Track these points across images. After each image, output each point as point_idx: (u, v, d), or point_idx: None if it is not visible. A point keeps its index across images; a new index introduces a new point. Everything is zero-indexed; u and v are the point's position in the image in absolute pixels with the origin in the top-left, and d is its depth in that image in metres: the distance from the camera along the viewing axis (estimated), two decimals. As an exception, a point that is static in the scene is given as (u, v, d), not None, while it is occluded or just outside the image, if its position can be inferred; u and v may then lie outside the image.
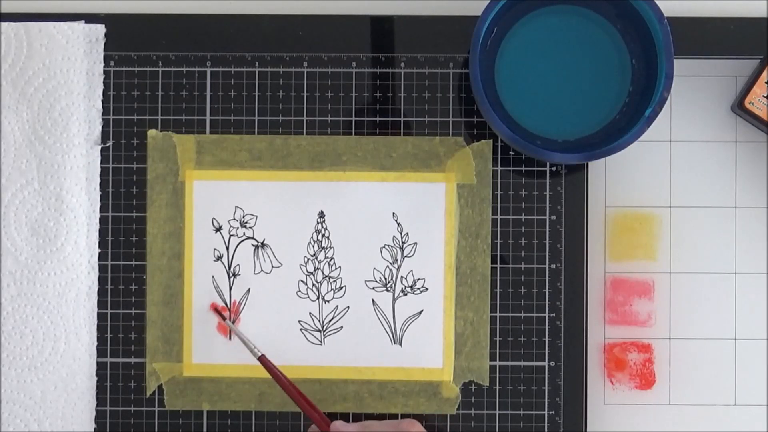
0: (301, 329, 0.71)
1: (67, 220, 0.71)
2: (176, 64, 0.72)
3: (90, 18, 0.72)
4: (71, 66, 0.71)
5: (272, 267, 0.71)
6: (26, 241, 0.71)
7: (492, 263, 0.71)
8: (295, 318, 0.71)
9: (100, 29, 0.72)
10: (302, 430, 0.71)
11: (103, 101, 0.72)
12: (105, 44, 0.72)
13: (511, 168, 0.71)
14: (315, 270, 0.71)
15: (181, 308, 0.71)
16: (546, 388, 0.71)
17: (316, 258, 0.71)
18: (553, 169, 0.71)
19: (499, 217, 0.71)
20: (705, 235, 0.71)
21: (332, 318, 0.71)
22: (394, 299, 0.71)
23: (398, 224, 0.71)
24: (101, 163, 0.72)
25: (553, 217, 0.71)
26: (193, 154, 0.72)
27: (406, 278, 0.71)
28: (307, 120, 0.72)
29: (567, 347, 0.71)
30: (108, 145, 0.72)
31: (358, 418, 0.71)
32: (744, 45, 0.71)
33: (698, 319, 0.71)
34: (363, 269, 0.71)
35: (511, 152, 0.71)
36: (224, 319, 0.70)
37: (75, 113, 0.71)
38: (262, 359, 0.68)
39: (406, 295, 0.71)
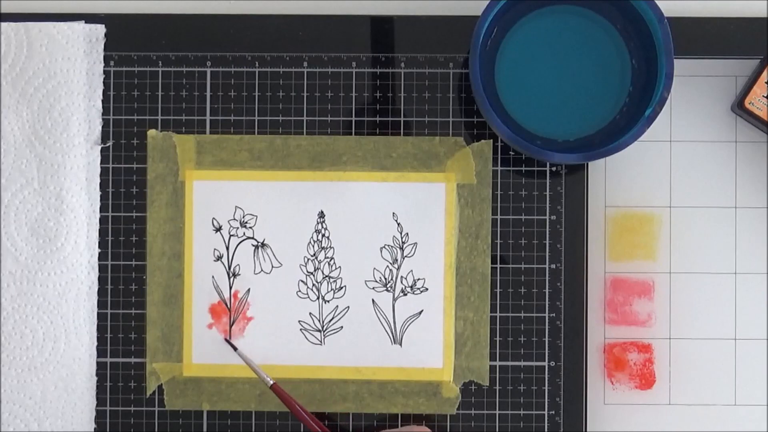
0: (301, 329, 0.71)
1: (67, 220, 0.71)
2: (176, 64, 0.72)
3: (90, 18, 0.72)
4: (71, 66, 0.71)
5: (272, 267, 0.71)
6: (26, 241, 0.71)
7: (492, 263, 0.71)
8: (295, 318, 0.71)
9: (100, 29, 0.72)
10: (302, 430, 0.71)
11: (103, 101, 0.72)
12: (105, 44, 0.72)
13: (511, 168, 0.71)
14: (315, 270, 0.71)
15: (181, 308, 0.71)
16: (546, 388, 0.71)
17: (316, 258, 0.71)
18: (553, 169, 0.71)
19: (499, 217, 0.71)
20: (705, 235, 0.71)
21: (332, 318, 0.71)
22: (394, 299, 0.71)
23: (398, 224, 0.71)
24: (101, 163, 0.72)
25: (553, 217, 0.71)
26: (193, 154, 0.72)
27: (406, 278, 0.71)
28: (307, 120, 0.72)
29: (567, 347, 0.71)
30: (108, 145, 0.72)
31: (358, 418, 0.71)
32: (744, 45, 0.71)
33: (698, 319, 0.71)
34: (363, 269, 0.71)
35: (511, 152, 0.71)
36: (235, 349, 0.70)
37: (75, 113, 0.71)
38: (275, 387, 0.69)
39: (406, 295, 0.71)
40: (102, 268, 0.72)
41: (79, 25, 0.71)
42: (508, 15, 0.68)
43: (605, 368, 0.71)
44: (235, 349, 0.70)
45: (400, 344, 0.71)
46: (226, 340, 0.70)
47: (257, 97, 0.72)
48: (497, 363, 0.71)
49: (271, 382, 0.69)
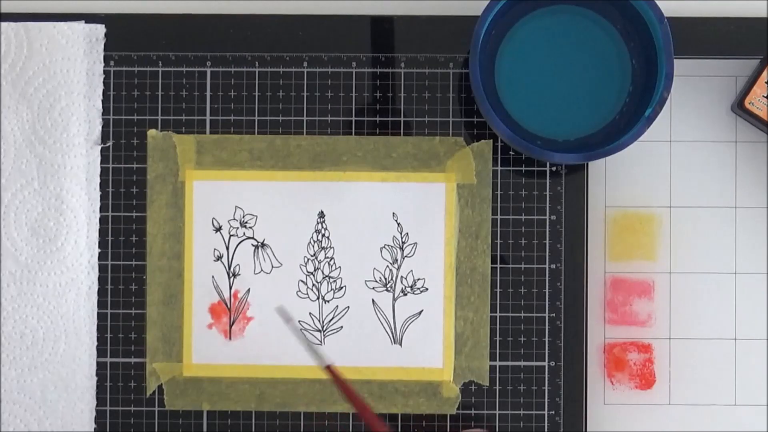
0: (301, 329, 0.71)
1: (67, 220, 0.71)
2: (176, 64, 0.72)
3: (90, 18, 0.72)
4: (71, 66, 0.71)
5: (272, 267, 0.71)
6: (26, 241, 0.71)
7: (492, 263, 0.71)
8: (295, 318, 0.71)
9: (100, 29, 0.72)
10: (302, 430, 0.71)
11: (103, 101, 0.72)
12: (105, 44, 0.72)
13: (511, 168, 0.71)
14: (315, 270, 0.71)
15: (181, 308, 0.71)
16: (546, 388, 0.71)
17: (316, 258, 0.71)
18: (553, 169, 0.71)
19: (499, 217, 0.71)
20: (705, 235, 0.71)
21: (332, 318, 0.71)
22: (394, 299, 0.71)
23: (398, 224, 0.71)
24: (101, 163, 0.72)
25: (553, 217, 0.71)
26: (193, 154, 0.72)
27: (406, 278, 0.71)
28: (307, 120, 0.72)
29: (567, 347, 0.71)
30: (108, 145, 0.72)
31: (358, 418, 0.71)
32: (744, 45, 0.71)
33: (698, 319, 0.71)
34: (363, 269, 0.71)
35: (511, 152, 0.71)
36: (288, 321, 0.68)
37: (75, 113, 0.71)
38: (330, 370, 0.65)
39: (406, 295, 0.71)
40: (102, 268, 0.72)
41: (79, 25, 0.71)
42: (508, 15, 0.68)
43: (605, 368, 0.71)
44: (288, 321, 0.69)
45: (400, 344, 0.71)
46: (281, 310, 0.69)
47: (257, 97, 0.72)
48: (497, 363, 0.71)
49: (327, 364, 0.66)
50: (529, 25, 0.69)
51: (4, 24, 0.71)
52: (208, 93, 0.72)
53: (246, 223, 0.71)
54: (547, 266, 0.71)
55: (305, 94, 0.72)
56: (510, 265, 0.71)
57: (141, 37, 0.72)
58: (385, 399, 0.71)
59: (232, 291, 0.71)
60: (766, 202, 0.71)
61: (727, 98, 0.71)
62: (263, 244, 0.71)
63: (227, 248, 0.71)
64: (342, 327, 0.71)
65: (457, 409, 0.71)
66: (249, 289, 0.71)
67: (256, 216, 0.71)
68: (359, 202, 0.71)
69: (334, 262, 0.71)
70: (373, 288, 0.71)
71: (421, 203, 0.71)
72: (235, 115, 0.72)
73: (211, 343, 0.71)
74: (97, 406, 0.71)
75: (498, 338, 0.71)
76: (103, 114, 0.72)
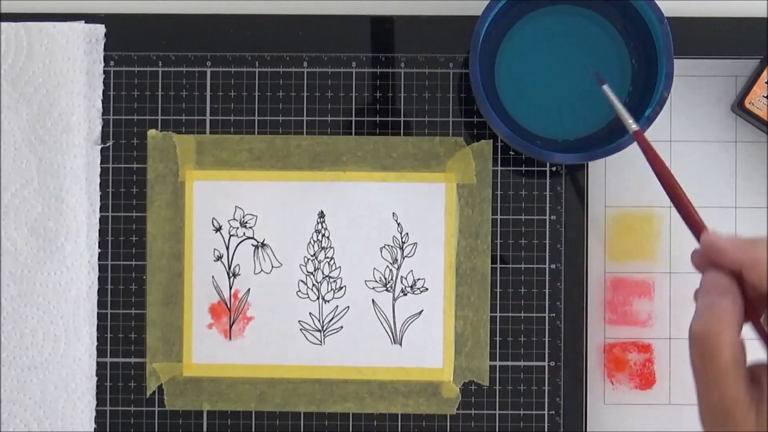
0: (301, 329, 0.71)
1: (67, 220, 0.71)
2: (176, 64, 0.72)
3: (90, 18, 0.72)
4: (71, 66, 0.71)
5: (272, 267, 0.71)
6: (26, 241, 0.71)
7: (492, 263, 0.71)
8: (295, 318, 0.71)
9: (100, 29, 0.72)
10: (302, 430, 0.71)
11: (103, 101, 0.72)
12: (105, 44, 0.72)
13: (511, 168, 0.71)
14: (315, 270, 0.71)
15: (181, 308, 0.71)
16: (546, 388, 0.71)
17: (316, 258, 0.71)
18: (553, 169, 0.71)
19: (499, 217, 0.71)
20: (705, 235, 0.71)
21: (332, 318, 0.71)
22: (394, 299, 0.71)
23: (398, 224, 0.71)
24: (101, 163, 0.72)
25: (553, 217, 0.71)
26: (193, 154, 0.72)
27: (406, 278, 0.71)
28: (307, 120, 0.72)
29: (567, 347, 0.71)
30: (108, 145, 0.72)
31: (358, 418, 0.71)
32: (744, 45, 0.71)
33: (698, 319, 0.71)
34: (363, 269, 0.71)
35: (511, 152, 0.71)
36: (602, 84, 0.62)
37: (75, 113, 0.71)
38: (637, 134, 0.61)
39: (406, 295, 0.71)
40: (102, 268, 0.72)
41: (79, 25, 0.71)
42: (508, 15, 0.68)
43: (605, 368, 0.71)
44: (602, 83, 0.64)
45: (400, 344, 0.71)
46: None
47: (257, 97, 0.72)
48: (497, 363, 0.71)
49: (635, 128, 0.61)
50: (529, 25, 0.69)
51: (4, 24, 0.71)
52: (208, 93, 0.72)
53: (246, 223, 0.71)
54: (547, 266, 0.71)
55: (305, 94, 0.72)
56: (510, 265, 0.71)
57: (141, 37, 0.72)
58: (385, 399, 0.71)
59: (232, 291, 0.71)
60: (766, 202, 0.71)
61: (727, 98, 0.71)
62: (263, 244, 0.71)
63: (227, 248, 0.71)
64: (342, 327, 0.71)
65: (457, 409, 0.71)
66: (249, 289, 0.71)
67: (256, 216, 0.71)
68: (359, 202, 0.71)
69: (334, 262, 0.71)
70: (373, 288, 0.71)
71: (421, 203, 0.71)
72: (235, 115, 0.72)
73: (211, 343, 0.71)
74: (97, 406, 0.71)
75: (498, 338, 0.71)
76: (103, 114, 0.72)
